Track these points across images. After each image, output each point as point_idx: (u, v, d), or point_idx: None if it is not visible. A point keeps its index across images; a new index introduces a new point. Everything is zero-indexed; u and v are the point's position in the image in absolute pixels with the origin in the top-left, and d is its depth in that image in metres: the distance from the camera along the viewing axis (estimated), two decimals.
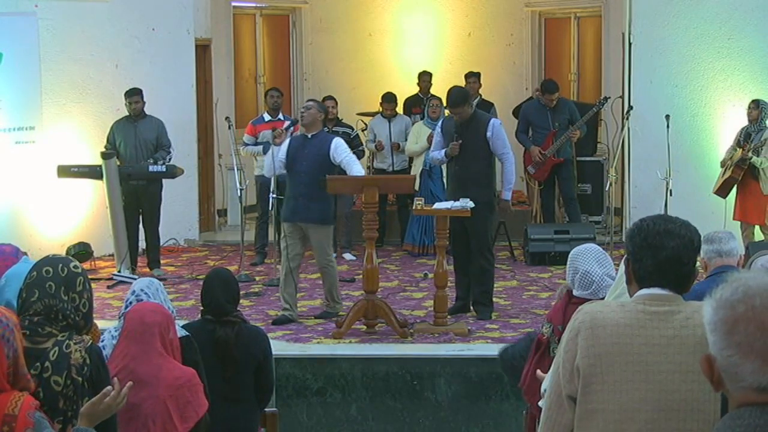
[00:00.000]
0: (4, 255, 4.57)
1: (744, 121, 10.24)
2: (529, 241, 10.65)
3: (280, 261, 10.46)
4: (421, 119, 11.88)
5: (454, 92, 8.54)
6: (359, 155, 11.11)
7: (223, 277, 5.42)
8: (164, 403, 4.13)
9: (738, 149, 9.90)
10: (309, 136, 8.38)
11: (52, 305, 3.46)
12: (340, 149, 8.30)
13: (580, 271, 4.45)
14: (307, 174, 8.22)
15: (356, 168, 8.35)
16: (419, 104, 12.32)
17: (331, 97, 11.21)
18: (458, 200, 8.12)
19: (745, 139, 9.89)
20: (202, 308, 5.38)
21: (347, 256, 10.80)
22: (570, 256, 4.55)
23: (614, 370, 2.99)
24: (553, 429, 3.12)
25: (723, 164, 10.07)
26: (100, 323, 5.34)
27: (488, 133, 8.34)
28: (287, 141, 8.55)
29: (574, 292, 4.47)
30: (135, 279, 9.64)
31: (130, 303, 4.52)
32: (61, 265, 3.54)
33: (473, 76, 12.28)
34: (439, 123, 9.15)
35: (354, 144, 11.04)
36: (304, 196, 8.21)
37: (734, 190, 10.03)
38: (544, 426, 3.16)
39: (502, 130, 8.46)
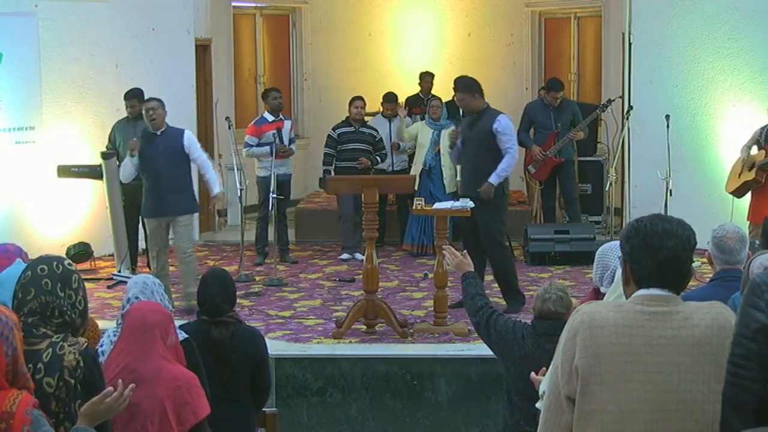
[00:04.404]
0: (8, 254, 4.57)
1: (744, 121, 10.21)
2: (529, 241, 10.64)
3: (280, 261, 10.55)
4: (422, 119, 11.88)
5: (459, 79, 8.71)
6: (383, 158, 11.14)
7: (220, 277, 5.40)
8: (162, 403, 4.11)
9: (759, 150, 9.66)
10: (158, 133, 8.73)
11: (49, 302, 3.45)
12: (192, 141, 8.80)
13: (610, 267, 4.44)
14: (166, 168, 8.66)
15: (212, 173, 8.90)
16: (420, 104, 12.32)
17: (360, 98, 11.20)
18: (458, 200, 8.14)
19: (766, 140, 9.66)
20: (198, 308, 5.37)
21: (357, 255, 10.78)
22: (598, 253, 4.54)
23: (613, 370, 2.99)
24: (552, 430, 3.12)
25: (741, 164, 9.77)
26: (100, 323, 5.34)
27: (495, 126, 8.34)
28: None
29: (602, 289, 4.46)
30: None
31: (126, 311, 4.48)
32: (55, 262, 3.52)
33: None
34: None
35: (378, 147, 11.05)
36: (169, 190, 8.65)
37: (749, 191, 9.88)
38: (543, 427, 3.16)
39: (510, 125, 8.46)
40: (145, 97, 9.97)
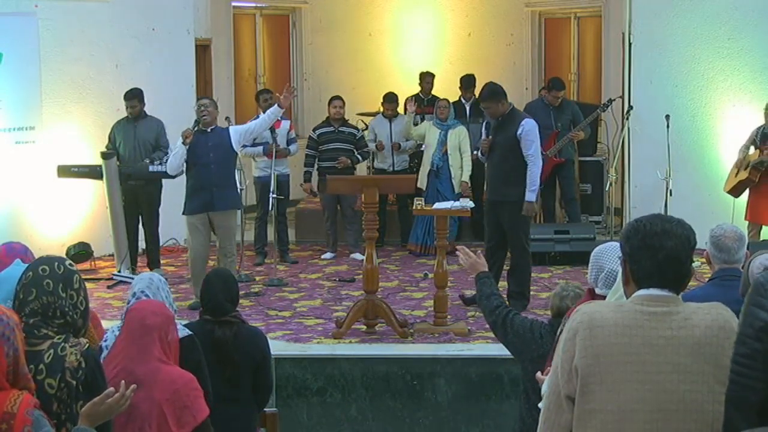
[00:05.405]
0: (14, 252, 4.58)
1: (744, 121, 10.23)
2: (529, 241, 10.62)
3: (280, 261, 10.56)
4: (422, 119, 11.90)
5: (483, 87, 8.72)
6: (365, 156, 11.17)
7: (223, 276, 5.43)
8: (160, 406, 4.11)
9: (755, 150, 9.77)
10: (208, 130, 8.82)
11: (51, 302, 3.45)
12: (238, 130, 9.00)
13: (605, 269, 4.43)
14: (216, 165, 8.70)
15: (256, 122, 9.14)
16: (420, 104, 12.32)
17: (338, 97, 11.21)
18: (458, 200, 8.16)
19: (762, 140, 9.73)
20: (201, 308, 5.38)
21: (357, 256, 10.80)
22: (593, 254, 4.54)
23: (613, 370, 2.99)
24: (552, 429, 3.12)
25: (738, 164, 9.91)
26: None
27: (518, 131, 8.36)
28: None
29: (597, 291, 4.46)
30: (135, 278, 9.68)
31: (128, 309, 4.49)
32: (57, 263, 3.52)
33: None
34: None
35: (360, 145, 11.08)
36: (217, 185, 8.72)
37: (746, 190, 9.95)
38: (543, 427, 3.16)
39: (533, 130, 8.43)
40: (145, 98, 10.03)
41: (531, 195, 8.40)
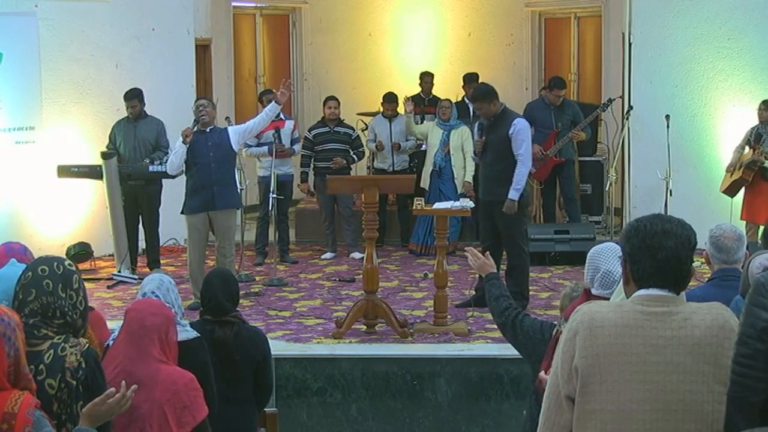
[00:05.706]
0: (13, 252, 4.58)
1: (744, 121, 10.24)
2: (529, 241, 10.62)
3: (280, 261, 10.56)
4: (422, 119, 11.88)
5: (475, 88, 8.76)
6: (360, 156, 11.18)
7: (223, 275, 5.43)
8: (161, 407, 4.10)
9: (749, 150, 9.84)
10: (207, 130, 8.80)
11: (50, 303, 3.45)
12: (237, 130, 8.96)
13: (601, 270, 4.43)
14: (216, 164, 8.69)
15: (254, 120, 8.96)
16: (420, 104, 12.32)
17: (333, 98, 11.23)
18: (458, 200, 8.16)
19: (756, 140, 9.79)
20: (201, 308, 5.38)
21: (356, 254, 10.81)
22: (589, 255, 4.54)
23: (612, 370, 2.99)
24: (552, 429, 3.12)
25: (732, 165, 9.99)
26: None
27: (510, 131, 8.36)
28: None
29: (594, 291, 4.46)
30: (135, 279, 9.69)
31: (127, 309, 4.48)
32: (56, 263, 3.53)
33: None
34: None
35: (355, 145, 11.10)
36: (217, 184, 8.70)
37: (742, 190, 10.00)
38: (543, 426, 3.16)
39: (525, 130, 8.44)
40: (145, 98, 10.03)
41: (514, 194, 8.37)
